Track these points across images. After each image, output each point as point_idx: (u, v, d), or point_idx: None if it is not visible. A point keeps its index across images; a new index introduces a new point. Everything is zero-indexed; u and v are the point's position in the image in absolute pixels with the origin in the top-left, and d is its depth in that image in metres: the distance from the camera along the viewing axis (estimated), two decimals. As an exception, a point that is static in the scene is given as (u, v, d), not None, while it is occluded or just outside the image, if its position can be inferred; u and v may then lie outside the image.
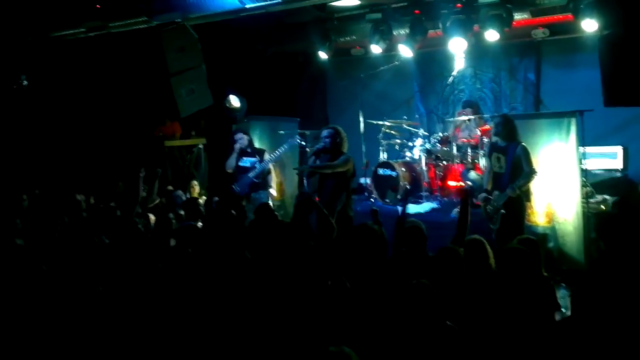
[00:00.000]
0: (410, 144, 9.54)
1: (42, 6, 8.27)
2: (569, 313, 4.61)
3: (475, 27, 8.05)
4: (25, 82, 9.47)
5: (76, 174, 9.66)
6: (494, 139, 6.72)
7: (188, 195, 8.52)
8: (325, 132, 6.81)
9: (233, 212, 5.94)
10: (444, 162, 9.05)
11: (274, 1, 6.92)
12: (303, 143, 8.74)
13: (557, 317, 4.31)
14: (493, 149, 6.72)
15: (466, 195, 5.39)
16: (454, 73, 9.55)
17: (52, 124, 9.97)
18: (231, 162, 8.14)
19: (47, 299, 4.24)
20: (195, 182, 9.35)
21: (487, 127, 8.84)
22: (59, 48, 9.28)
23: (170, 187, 8.92)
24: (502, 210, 6.33)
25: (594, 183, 7.77)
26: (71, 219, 6.72)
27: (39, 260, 4.94)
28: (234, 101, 9.71)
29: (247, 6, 7.14)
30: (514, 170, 6.40)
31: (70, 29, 8.71)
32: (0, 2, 8.07)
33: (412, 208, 8.64)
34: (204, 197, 8.42)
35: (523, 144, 6.44)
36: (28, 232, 6.22)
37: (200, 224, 6.24)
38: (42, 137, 9.91)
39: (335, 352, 2.82)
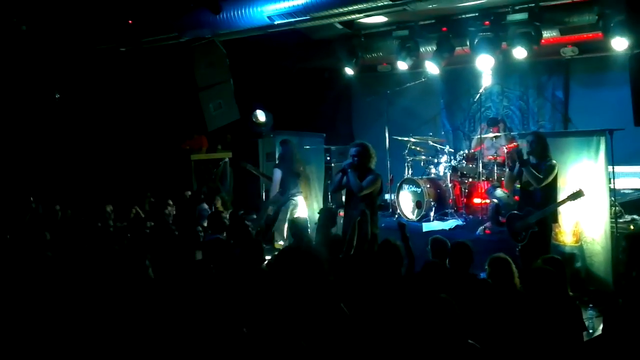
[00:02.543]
0: (435, 160, 9.50)
1: (76, 22, 8.48)
2: (595, 334, 4.55)
3: (503, 44, 8.01)
4: (57, 96, 9.69)
5: (105, 186, 9.81)
6: (527, 156, 6.66)
7: (213, 209, 8.59)
8: (353, 150, 6.52)
9: (248, 223, 6.01)
10: (470, 179, 8.99)
11: (302, 18, 7.00)
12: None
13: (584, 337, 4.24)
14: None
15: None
16: (481, 90, 9.50)
17: (83, 136, 10.16)
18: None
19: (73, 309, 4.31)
20: (222, 196, 9.43)
21: (515, 144, 8.77)
22: (91, 62, 9.50)
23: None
24: (536, 228, 6.23)
25: (622, 203, 7.63)
26: (100, 230, 6.82)
27: (67, 271, 5.02)
28: (260, 116, 9.81)
29: (276, 22, 7.23)
30: (546, 188, 6.33)
31: (104, 44, 8.92)
32: (36, 17, 8.30)
33: (437, 225, 8.60)
34: (229, 211, 8.48)
35: (554, 161, 6.38)
36: (60, 243, 6.31)
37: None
38: (73, 149, 10.10)
39: None
